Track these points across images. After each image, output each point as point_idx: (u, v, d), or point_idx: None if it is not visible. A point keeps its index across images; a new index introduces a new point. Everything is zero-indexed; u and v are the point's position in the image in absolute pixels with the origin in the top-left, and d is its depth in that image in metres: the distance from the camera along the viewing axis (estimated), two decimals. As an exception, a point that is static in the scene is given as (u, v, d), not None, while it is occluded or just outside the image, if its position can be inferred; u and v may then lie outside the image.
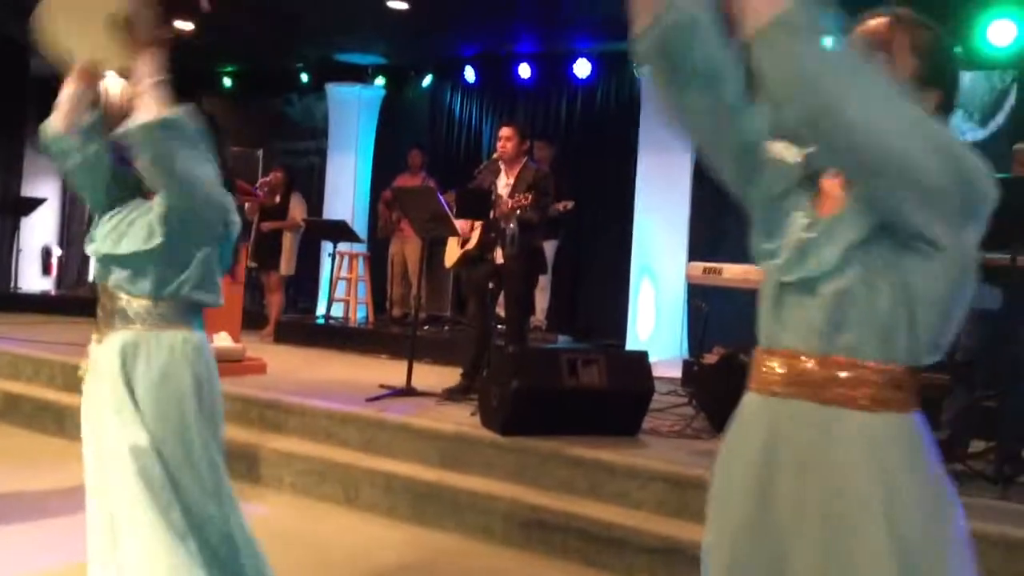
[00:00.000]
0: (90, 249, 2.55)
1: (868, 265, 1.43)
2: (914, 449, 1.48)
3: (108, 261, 2.49)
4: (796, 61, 1.32)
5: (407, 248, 8.80)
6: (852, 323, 1.44)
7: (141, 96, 2.33)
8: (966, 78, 7.25)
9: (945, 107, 1.55)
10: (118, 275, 2.48)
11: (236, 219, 2.56)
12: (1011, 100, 7.14)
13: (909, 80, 1.47)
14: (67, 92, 2.55)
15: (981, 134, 7.20)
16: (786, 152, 1.57)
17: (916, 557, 1.43)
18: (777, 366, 1.51)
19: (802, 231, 1.49)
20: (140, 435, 2.36)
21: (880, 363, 1.46)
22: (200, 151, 2.37)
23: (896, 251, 1.41)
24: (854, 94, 1.31)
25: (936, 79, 1.52)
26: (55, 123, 2.57)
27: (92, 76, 2.54)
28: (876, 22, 1.52)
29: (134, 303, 2.46)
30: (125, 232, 2.46)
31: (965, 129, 7.25)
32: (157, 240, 2.40)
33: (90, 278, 2.62)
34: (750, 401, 1.57)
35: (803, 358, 1.48)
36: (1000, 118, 7.14)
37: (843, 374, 1.45)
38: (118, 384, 2.40)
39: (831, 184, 1.53)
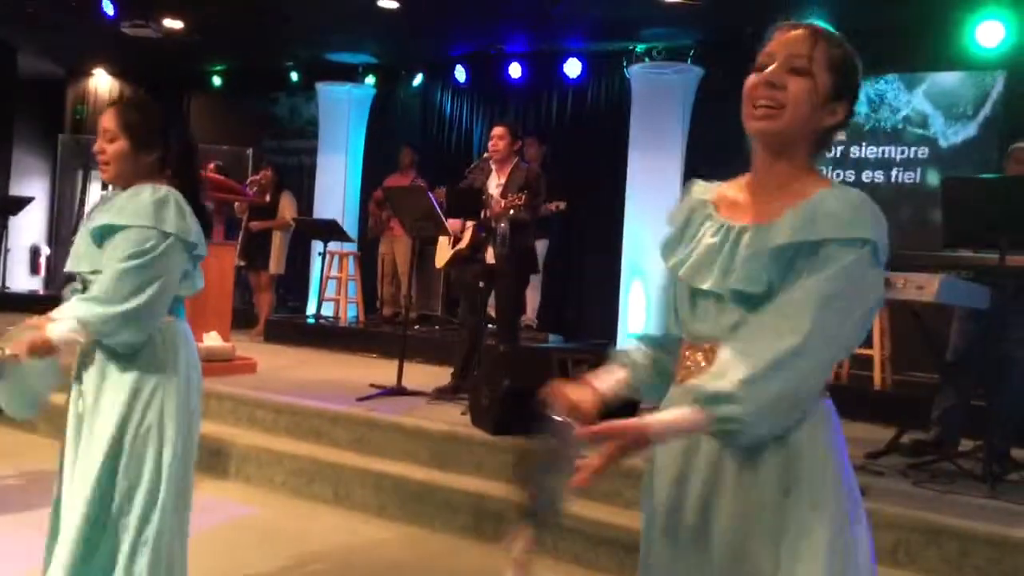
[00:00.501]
0: (69, 266, 2.59)
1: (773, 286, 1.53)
2: (826, 430, 1.57)
3: (76, 277, 2.56)
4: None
5: (397, 247, 8.79)
6: (759, 324, 1.52)
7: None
8: (949, 79, 7.28)
9: (849, 114, 1.64)
10: (88, 278, 2.52)
11: (200, 250, 2.56)
12: (992, 100, 7.17)
13: (824, 94, 1.57)
14: None
15: (962, 135, 7.23)
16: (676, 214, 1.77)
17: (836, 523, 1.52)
18: (700, 359, 1.62)
19: (714, 237, 1.62)
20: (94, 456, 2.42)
21: None
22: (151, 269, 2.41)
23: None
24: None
25: (846, 92, 1.62)
26: None
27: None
28: (796, 36, 1.59)
29: None
30: (86, 242, 2.50)
31: (947, 131, 7.29)
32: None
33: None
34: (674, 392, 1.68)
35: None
36: (980, 118, 7.17)
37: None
38: (95, 380, 2.48)
39: (734, 191, 1.68)
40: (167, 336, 2.51)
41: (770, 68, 1.58)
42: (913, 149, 7.43)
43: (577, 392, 1.78)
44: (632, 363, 1.83)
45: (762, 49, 1.63)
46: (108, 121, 2.51)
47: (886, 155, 7.53)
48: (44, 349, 2.37)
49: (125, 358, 2.45)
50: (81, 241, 2.52)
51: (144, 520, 2.41)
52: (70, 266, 2.55)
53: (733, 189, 1.69)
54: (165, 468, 2.44)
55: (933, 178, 7.26)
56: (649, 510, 1.72)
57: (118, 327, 2.37)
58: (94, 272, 2.45)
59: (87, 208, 11.37)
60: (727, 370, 1.46)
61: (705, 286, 1.59)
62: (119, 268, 2.38)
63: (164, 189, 2.48)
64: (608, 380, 1.81)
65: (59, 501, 2.52)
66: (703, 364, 1.59)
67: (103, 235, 2.45)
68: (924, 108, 7.39)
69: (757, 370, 1.44)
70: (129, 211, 2.44)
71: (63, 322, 2.37)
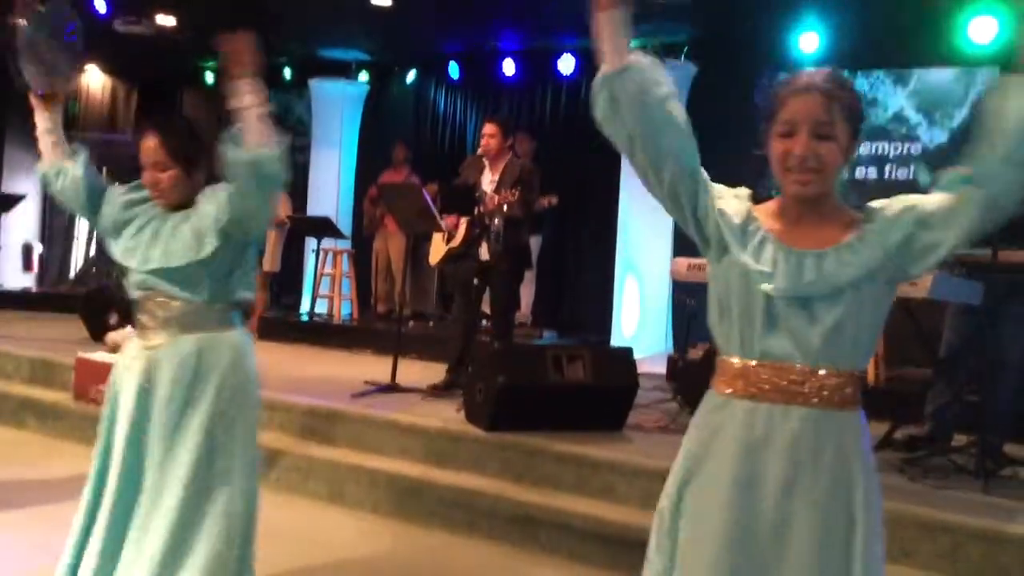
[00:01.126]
0: (132, 261, 2.61)
1: (858, 298, 1.71)
2: (867, 439, 1.80)
3: (160, 273, 2.58)
4: None
5: (391, 244, 8.79)
6: (841, 341, 1.72)
7: (245, 120, 2.55)
8: (941, 75, 7.29)
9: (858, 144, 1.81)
10: (172, 284, 2.57)
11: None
12: (962, 100, 7.19)
13: (847, 145, 1.73)
14: (41, 127, 2.70)
15: (930, 137, 7.24)
16: (730, 199, 1.83)
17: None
18: (767, 374, 1.74)
19: (789, 258, 1.73)
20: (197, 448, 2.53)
21: (851, 371, 1.75)
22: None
23: (877, 290, 1.73)
24: None
25: (858, 129, 1.77)
26: (45, 164, 2.73)
27: (56, 102, 2.72)
28: (815, 104, 1.70)
29: (189, 308, 2.57)
30: (170, 243, 2.57)
31: (940, 126, 7.30)
32: (209, 249, 2.54)
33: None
34: (736, 405, 1.78)
35: (796, 366, 1.72)
36: (972, 114, 7.19)
37: (829, 382, 1.73)
38: (181, 390, 2.54)
39: (768, 217, 1.80)
40: (240, 340, 2.66)
41: (797, 139, 1.71)
42: (906, 145, 7.45)
43: None
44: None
45: (775, 108, 1.76)
46: (155, 153, 2.59)
47: (879, 151, 7.54)
48: None
49: (220, 365, 2.57)
50: (161, 243, 2.58)
51: (233, 514, 2.60)
52: (151, 265, 2.58)
53: (765, 215, 1.81)
54: (249, 463, 2.65)
55: (926, 174, 7.28)
56: (703, 509, 1.78)
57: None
58: (179, 272, 2.55)
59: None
60: None
61: (804, 283, 1.70)
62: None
63: None
64: None
65: (97, 499, 2.57)
66: (780, 382, 1.73)
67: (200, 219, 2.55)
68: (918, 104, 7.41)
69: None
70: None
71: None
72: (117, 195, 2.73)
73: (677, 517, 1.81)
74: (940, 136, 7.33)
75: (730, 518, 1.72)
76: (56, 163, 2.73)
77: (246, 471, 2.64)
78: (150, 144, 2.60)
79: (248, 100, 2.57)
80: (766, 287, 1.71)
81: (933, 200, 1.72)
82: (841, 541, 1.70)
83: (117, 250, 2.65)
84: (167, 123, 2.69)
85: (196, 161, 2.63)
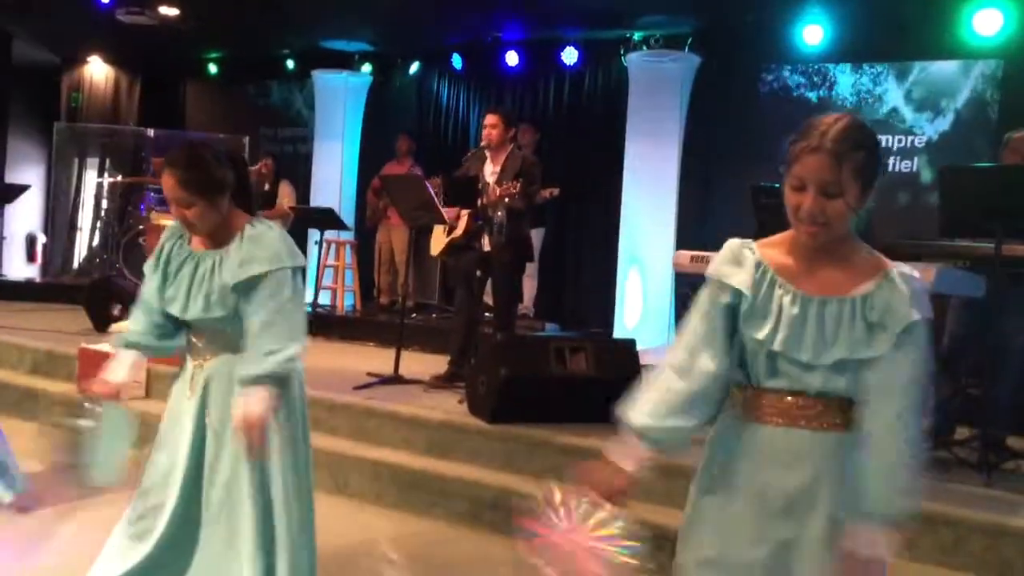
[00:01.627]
0: (173, 308, 2.65)
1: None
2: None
3: (201, 322, 2.64)
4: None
5: (394, 236, 8.78)
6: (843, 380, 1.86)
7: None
8: (946, 68, 7.27)
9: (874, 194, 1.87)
10: (213, 323, 2.63)
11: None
12: (965, 93, 7.17)
13: (857, 200, 1.81)
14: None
15: (956, 124, 7.22)
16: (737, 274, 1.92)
17: None
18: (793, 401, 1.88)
19: (792, 307, 1.85)
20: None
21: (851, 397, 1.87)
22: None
23: None
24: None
25: (870, 183, 1.83)
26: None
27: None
28: (822, 165, 1.77)
29: (236, 333, 2.61)
30: (208, 295, 2.60)
31: (942, 119, 7.28)
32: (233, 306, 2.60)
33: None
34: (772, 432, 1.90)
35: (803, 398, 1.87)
36: (975, 107, 7.17)
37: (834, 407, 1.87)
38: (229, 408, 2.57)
39: (780, 255, 1.91)
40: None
41: (806, 195, 1.79)
42: (909, 138, 7.43)
43: (606, 474, 2.07)
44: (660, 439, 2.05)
45: (790, 159, 1.82)
46: (174, 191, 2.58)
47: (882, 144, 7.52)
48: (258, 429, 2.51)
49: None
50: (202, 292, 2.61)
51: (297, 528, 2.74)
52: (192, 315, 2.62)
53: (778, 252, 1.91)
54: (302, 477, 2.78)
55: (930, 166, 7.26)
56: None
57: (294, 362, 2.55)
58: (223, 318, 2.58)
59: (83, 200, 11.35)
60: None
61: (804, 359, 1.83)
62: (289, 308, 2.56)
63: (266, 223, 2.72)
64: (632, 457, 2.07)
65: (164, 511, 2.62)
66: (789, 407, 1.88)
67: (248, 286, 2.56)
68: (921, 97, 7.38)
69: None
70: (265, 257, 2.59)
71: (254, 391, 2.48)
72: (156, 266, 2.73)
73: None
74: (943, 129, 7.31)
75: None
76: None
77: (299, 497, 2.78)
78: (168, 183, 2.58)
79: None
80: (769, 346, 1.85)
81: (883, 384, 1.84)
82: None
83: (165, 296, 2.68)
84: (180, 158, 2.62)
85: (218, 188, 2.60)
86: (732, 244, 1.93)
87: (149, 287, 2.70)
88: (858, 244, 1.88)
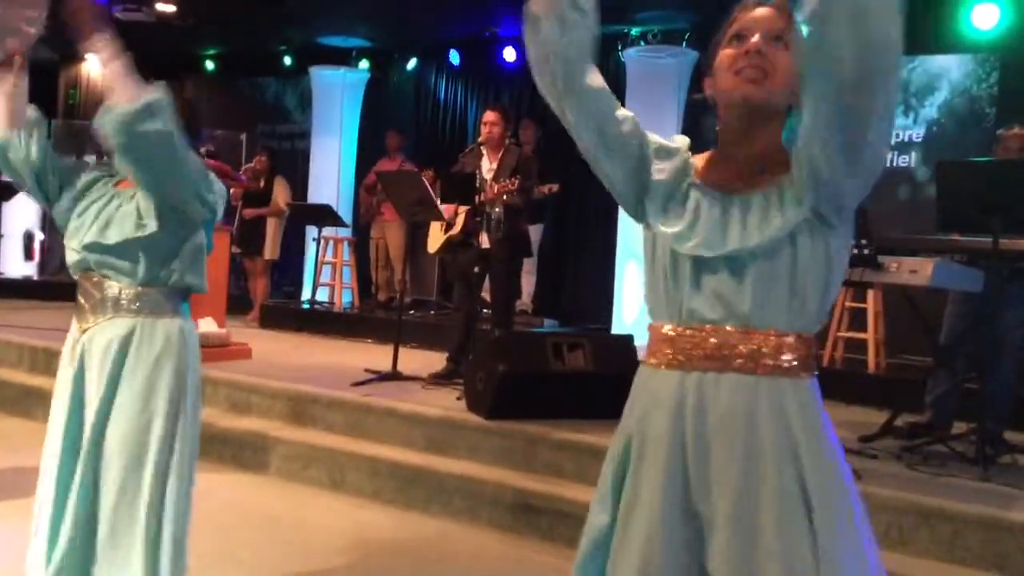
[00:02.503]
0: (74, 240, 2.47)
1: (791, 253, 1.54)
2: (818, 410, 1.58)
3: (95, 249, 2.44)
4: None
5: (388, 233, 8.78)
6: (774, 300, 1.54)
7: (110, 81, 2.24)
8: (942, 62, 7.26)
9: None
10: (107, 263, 2.44)
11: (220, 201, 2.52)
12: (962, 87, 7.16)
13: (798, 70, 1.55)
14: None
15: (954, 118, 7.21)
16: (666, 145, 1.71)
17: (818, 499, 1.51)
18: (696, 338, 1.58)
19: (712, 208, 1.59)
20: (131, 425, 2.37)
21: (795, 334, 1.56)
22: (180, 136, 2.31)
23: (813, 243, 1.54)
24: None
25: None
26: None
27: (13, 63, 2.49)
28: (772, 13, 1.59)
29: (126, 291, 2.44)
30: (111, 219, 2.43)
31: (939, 114, 7.27)
32: (148, 229, 2.39)
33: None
34: (661, 376, 1.63)
35: (729, 328, 1.55)
36: (970, 102, 7.16)
37: (765, 347, 1.55)
38: (109, 374, 2.40)
39: (718, 165, 1.65)
40: (178, 334, 2.48)
41: (752, 39, 1.57)
42: (907, 132, 7.42)
43: None
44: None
45: (727, 25, 1.65)
46: None
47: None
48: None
49: (153, 352, 2.43)
50: (102, 216, 2.45)
51: (160, 508, 2.40)
52: (91, 237, 2.43)
53: (701, 160, 1.69)
54: (180, 457, 2.43)
55: (925, 162, 7.26)
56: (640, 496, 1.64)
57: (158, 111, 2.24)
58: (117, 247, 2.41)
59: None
60: None
61: (726, 250, 1.54)
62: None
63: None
64: None
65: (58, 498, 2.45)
66: (708, 342, 1.57)
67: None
68: (919, 91, 7.38)
69: None
70: None
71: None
72: (79, 181, 2.56)
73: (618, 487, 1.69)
74: (940, 123, 7.30)
75: (664, 507, 1.57)
76: (5, 134, 2.50)
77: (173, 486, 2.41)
78: None
79: (105, 55, 2.24)
80: (683, 247, 1.57)
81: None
82: (801, 531, 1.48)
83: (68, 232, 2.50)
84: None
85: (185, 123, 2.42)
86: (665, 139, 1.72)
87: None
88: (788, 148, 1.57)
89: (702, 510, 1.55)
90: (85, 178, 2.55)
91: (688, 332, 1.59)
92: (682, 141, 1.73)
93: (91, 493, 2.39)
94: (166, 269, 2.45)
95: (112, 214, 2.43)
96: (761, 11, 1.61)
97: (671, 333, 1.61)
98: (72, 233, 2.49)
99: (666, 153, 1.69)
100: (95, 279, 2.47)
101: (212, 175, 2.49)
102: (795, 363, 1.55)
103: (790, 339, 1.55)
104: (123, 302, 2.44)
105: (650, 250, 1.66)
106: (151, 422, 2.39)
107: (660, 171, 1.66)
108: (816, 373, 1.60)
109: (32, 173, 2.53)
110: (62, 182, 2.55)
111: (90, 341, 2.45)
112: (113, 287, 2.45)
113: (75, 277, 2.53)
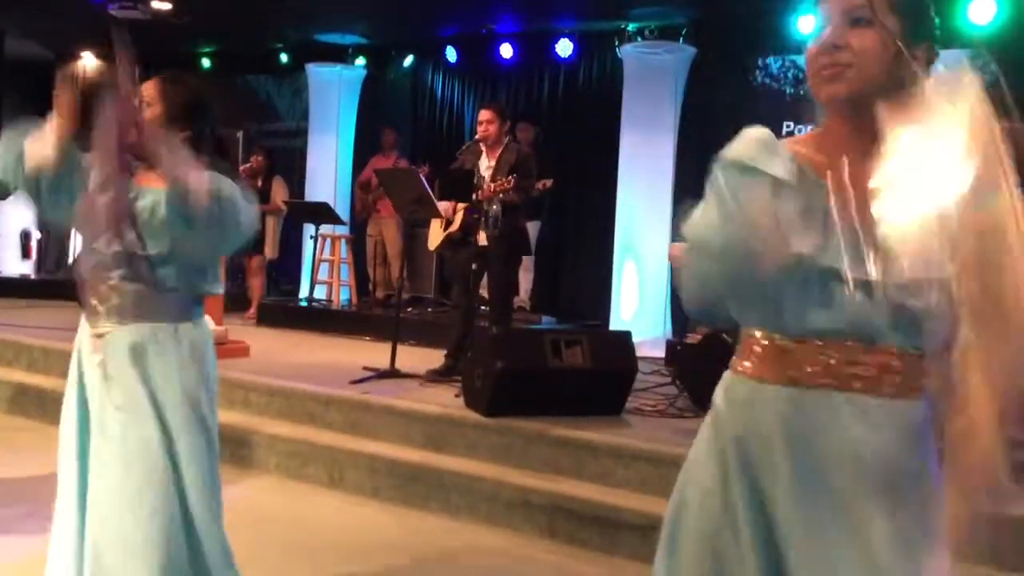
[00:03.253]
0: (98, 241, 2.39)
1: None
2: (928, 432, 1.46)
3: (124, 258, 2.37)
4: None
5: (385, 230, 8.78)
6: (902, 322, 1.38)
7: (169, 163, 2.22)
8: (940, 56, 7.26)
9: (932, 59, 1.50)
10: (125, 269, 2.37)
11: (255, 223, 2.48)
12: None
13: (894, 44, 1.41)
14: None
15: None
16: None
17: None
18: (826, 356, 1.41)
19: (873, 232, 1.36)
20: (153, 435, 2.35)
21: (912, 352, 1.41)
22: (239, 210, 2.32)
23: None
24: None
25: (924, 32, 1.48)
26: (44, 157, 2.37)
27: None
28: None
29: (144, 295, 2.38)
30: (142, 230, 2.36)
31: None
32: (171, 244, 2.34)
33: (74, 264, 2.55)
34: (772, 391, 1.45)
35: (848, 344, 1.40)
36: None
37: (893, 363, 1.39)
38: (134, 381, 2.36)
39: (810, 151, 1.47)
40: (196, 335, 2.48)
41: (825, 32, 1.41)
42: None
43: None
44: None
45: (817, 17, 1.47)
46: (148, 89, 2.47)
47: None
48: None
49: (175, 357, 2.41)
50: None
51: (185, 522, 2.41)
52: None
53: (808, 148, 1.47)
54: (208, 461, 2.49)
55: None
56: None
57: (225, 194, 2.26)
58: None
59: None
60: None
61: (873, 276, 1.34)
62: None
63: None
64: None
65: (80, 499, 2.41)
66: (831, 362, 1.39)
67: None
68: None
69: None
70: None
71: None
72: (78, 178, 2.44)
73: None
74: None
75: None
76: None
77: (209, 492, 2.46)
78: (148, 83, 2.48)
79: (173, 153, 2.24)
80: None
81: None
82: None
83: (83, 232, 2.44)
84: (171, 72, 2.55)
85: (178, 115, 2.43)
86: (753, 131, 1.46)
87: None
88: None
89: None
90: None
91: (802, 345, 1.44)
92: (766, 134, 1.46)
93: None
94: (187, 277, 2.42)
95: (143, 220, 2.35)
96: None
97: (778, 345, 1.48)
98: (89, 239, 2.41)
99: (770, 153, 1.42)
100: (113, 284, 2.39)
101: (254, 208, 2.44)
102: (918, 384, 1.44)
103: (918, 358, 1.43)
104: (143, 306, 2.39)
105: None
106: (180, 428, 2.39)
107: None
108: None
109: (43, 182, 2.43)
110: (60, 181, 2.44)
111: (113, 346, 2.39)
112: (132, 291, 2.38)
113: (86, 277, 2.45)
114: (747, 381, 1.47)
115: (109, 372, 2.39)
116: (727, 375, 1.54)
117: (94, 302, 2.43)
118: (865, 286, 1.35)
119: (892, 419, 1.40)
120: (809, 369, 1.40)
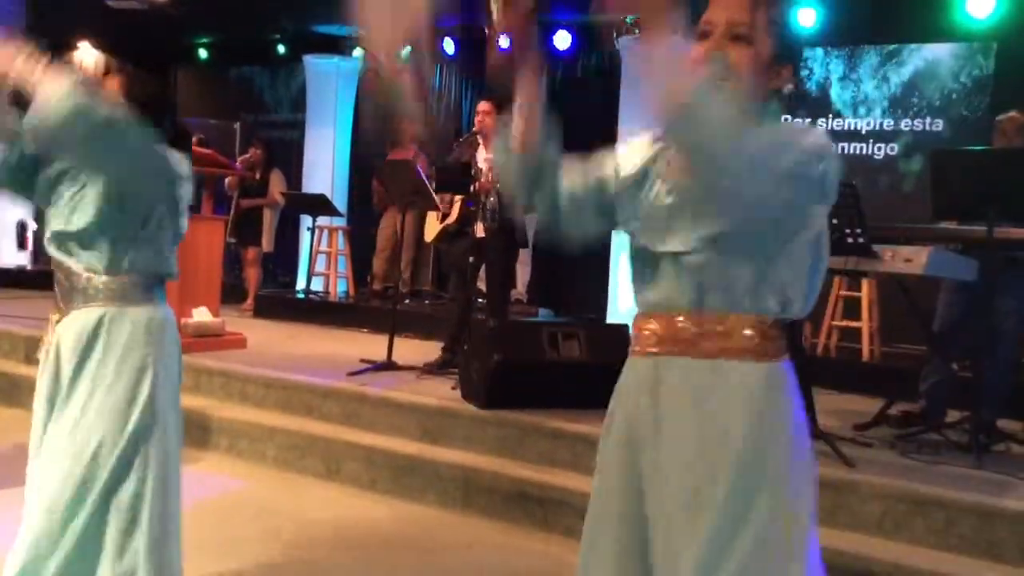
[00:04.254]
0: (48, 228, 2.45)
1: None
2: (786, 395, 1.61)
3: (62, 237, 2.41)
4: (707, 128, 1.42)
5: (407, 222, 8.67)
6: (717, 286, 1.59)
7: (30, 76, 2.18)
8: (937, 50, 7.25)
9: (795, 80, 1.65)
10: (73, 251, 2.41)
11: (184, 184, 2.49)
12: (981, 72, 7.15)
13: (766, 59, 1.57)
14: None
15: (950, 108, 7.21)
16: (634, 153, 1.79)
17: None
18: (655, 327, 1.67)
19: (663, 199, 1.64)
20: (80, 434, 2.35)
21: (752, 315, 1.59)
22: (119, 123, 2.27)
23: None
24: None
25: (788, 54, 1.63)
26: None
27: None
28: (733, 6, 1.57)
29: (93, 280, 2.40)
30: (77, 206, 2.39)
31: (934, 104, 7.27)
32: (103, 214, 2.36)
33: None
34: (631, 364, 1.75)
35: (679, 317, 1.63)
36: (968, 90, 7.15)
37: (718, 328, 1.60)
38: (76, 365, 2.38)
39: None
40: (151, 316, 2.45)
41: (712, 38, 1.57)
42: (903, 121, 7.42)
43: None
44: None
45: (703, 13, 1.61)
46: (116, 87, 2.45)
47: (876, 127, 7.52)
48: None
49: (119, 341, 2.39)
50: (72, 201, 2.40)
51: (138, 498, 2.38)
52: (56, 226, 2.41)
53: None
54: (161, 446, 2.42)
55: (921, 150, 7.25)
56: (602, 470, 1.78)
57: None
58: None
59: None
60: None
61: (676, 247, 1.60)
62: None
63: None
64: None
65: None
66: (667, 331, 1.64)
67: None
68: (914, 80, 7.37)
69: None
70: None
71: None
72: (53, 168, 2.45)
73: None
74: (935, 112, 7.30)
75: (618, 485, 1.69)
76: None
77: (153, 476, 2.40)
78: (113, 82, 2.47)
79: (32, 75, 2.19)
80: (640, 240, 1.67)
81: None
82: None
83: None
84: (133, 70, 2.51)
85: (147, 112, 2.40)
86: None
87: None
88: None
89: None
90: (59, 164, 2.45)
91: (647, 318, 1.78)
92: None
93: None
94: (127, 255, 2.41)
95: (79, 200, 2.39)
96: (727, 3, 1.59)
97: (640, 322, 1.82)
98: (48, 221, 2.45)
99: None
100: (64, 268, 2.44)
101: (174, 156, 2.45)
102: (753, 346, 1.63)
103: (748, 320, 1.63)
104: (91, 291, 2.40)
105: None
106: (120, 415, 2.36)
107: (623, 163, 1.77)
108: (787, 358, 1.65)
109: (16, 175, 2.46)
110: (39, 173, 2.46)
111: (64, 331, 2.42)
112: (81, 276, 2.41)
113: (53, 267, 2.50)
114: None
115: (61, 358, 2.41)
116: None
117: (55, 289, 2.47)
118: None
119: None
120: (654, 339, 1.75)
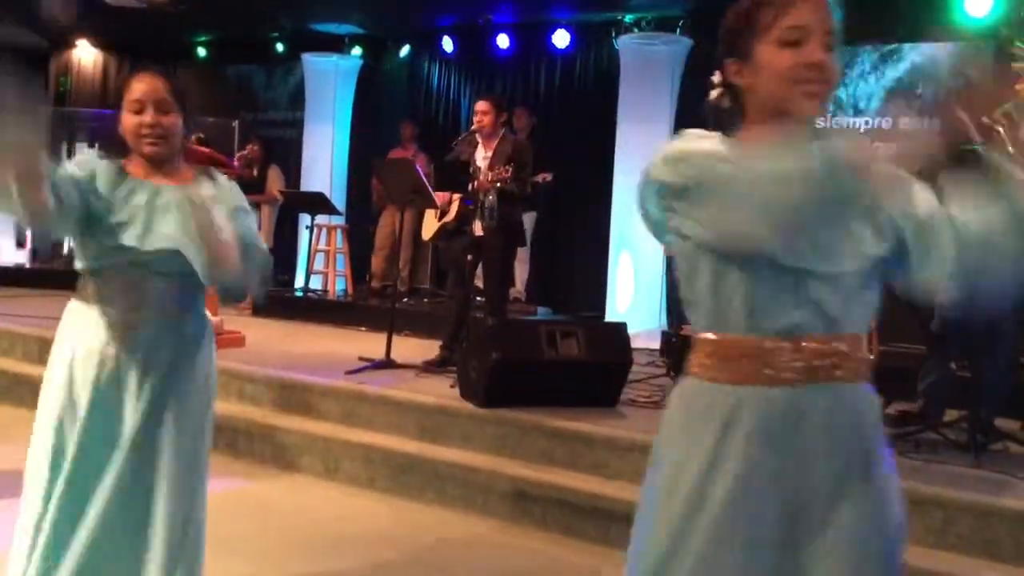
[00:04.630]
0: (127, 238, 2.34)
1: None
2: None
3: (158, 253, 2.35)
4: None
5: (405, 218, 8.68)
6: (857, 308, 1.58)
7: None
8: (935, 50, 7.25)
9: None
10: (152, 264, 2.38)
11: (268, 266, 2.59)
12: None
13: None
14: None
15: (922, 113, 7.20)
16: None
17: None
18: (793, 353, 1.52)
19: None
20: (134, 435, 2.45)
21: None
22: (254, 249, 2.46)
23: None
24: None
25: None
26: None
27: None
28: (825, 13, 1.52)
29: (161, 289, 2.44)
30: (151, 222, 2.34)
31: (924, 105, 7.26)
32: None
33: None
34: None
35: (814, 342, 1.53)
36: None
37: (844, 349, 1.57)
38: (155, 376, 2.47)
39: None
40: (205, 328, 2.66)
41: (810, 48, 1.46)
42: (904, 120, 7.42)
43: None
44: None
45: (767, 18, 1.47)
46: (162, 91, 2.34)
47: (874, 126, 7.52)
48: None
49: (192, 348, 2.56)
50: (159, 211, 2.35)
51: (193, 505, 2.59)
52: (161, 243, 2.34)
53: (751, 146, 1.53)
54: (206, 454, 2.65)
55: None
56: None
57: (254, 269, 2.41)
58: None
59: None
60: None
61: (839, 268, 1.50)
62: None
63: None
64: None
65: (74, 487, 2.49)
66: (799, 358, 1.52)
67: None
68: (911, 79, 7.38)
69: None
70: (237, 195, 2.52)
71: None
72: (102, 179, 2.41)
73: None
74: (934, 111, 7.30)
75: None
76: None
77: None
78: (154, 84, 2.33)
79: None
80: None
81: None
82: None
83: (102, 227, 2.35)
84: (165, 71, 2.47)
85: (191, 112, 2.44)
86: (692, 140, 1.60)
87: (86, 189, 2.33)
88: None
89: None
90: (105, 176, 2.42)
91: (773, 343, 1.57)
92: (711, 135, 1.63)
93: (127, 494, 2.42)
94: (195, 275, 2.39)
95: (159, 216, 2.34)
96: (817, 6, 1.48)
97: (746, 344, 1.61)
98: (112, 229, 2.34)
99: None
100: (133, 278, 2.40)
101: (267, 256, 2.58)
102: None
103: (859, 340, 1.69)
104: (157, 300, 2.44)
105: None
106: (194, 419, 2.57)
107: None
108: None
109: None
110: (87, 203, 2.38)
111: (132, 341, 2.42)
112: (150, 285, 2.41)
113: (94, 266, 2.45)
114: None
115: (122, 367, 2.44)
116: None
117: (109, 295, 2.48)
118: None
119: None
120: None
